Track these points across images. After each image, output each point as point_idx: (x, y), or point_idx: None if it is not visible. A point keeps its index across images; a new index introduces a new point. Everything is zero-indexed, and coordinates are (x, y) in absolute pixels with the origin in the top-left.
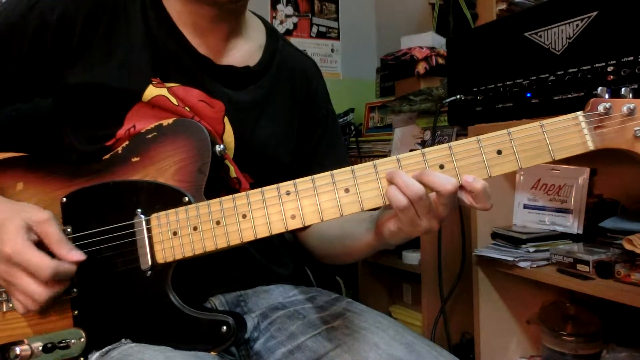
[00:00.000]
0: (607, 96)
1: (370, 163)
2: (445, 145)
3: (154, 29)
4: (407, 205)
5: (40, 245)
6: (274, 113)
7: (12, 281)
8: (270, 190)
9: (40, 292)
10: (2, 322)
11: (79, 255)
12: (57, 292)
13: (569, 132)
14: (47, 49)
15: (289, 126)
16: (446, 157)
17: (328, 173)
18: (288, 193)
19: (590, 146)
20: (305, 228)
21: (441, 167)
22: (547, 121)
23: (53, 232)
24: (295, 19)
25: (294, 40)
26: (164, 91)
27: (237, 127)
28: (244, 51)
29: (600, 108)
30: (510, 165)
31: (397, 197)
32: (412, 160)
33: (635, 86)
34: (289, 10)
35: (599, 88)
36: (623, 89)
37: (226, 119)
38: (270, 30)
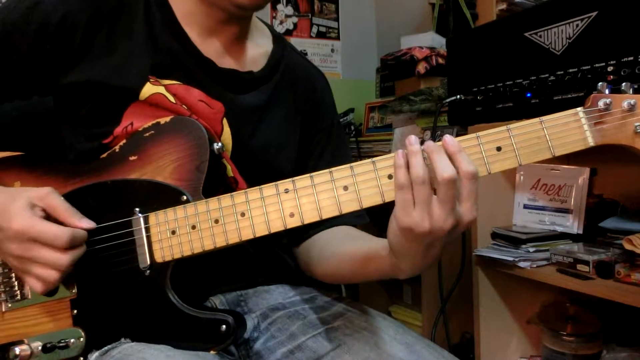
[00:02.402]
0: (607, 92)
1: (369, 160)
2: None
3: (156, 28)
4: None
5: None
6: (275, 120)
7: (29, 255)
8: (268, 189)
9: (62, 258)
10: (2, 322)
11: (89, 223)
12: (77, 256)
13: (569, 128)
14: (47, 48)
15: (290, 134)
16: None
17: (327, 171)
18: (287, 191)
19: (591, 142)
20: (300, 239)
21: None
22: (547, 117)
23: (58, 203)
24: (295, 19)
25: (294, 40)
26: (161, 89)
27: (235, 130)
28: (249, 56)
29: (601, 104)
30: (510, 162)
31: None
32: None
33: (636, 86)
34: (289, 10)
35: (599, 83)
36: (623, 84)
37: (225, 121)
38: (276, 37)
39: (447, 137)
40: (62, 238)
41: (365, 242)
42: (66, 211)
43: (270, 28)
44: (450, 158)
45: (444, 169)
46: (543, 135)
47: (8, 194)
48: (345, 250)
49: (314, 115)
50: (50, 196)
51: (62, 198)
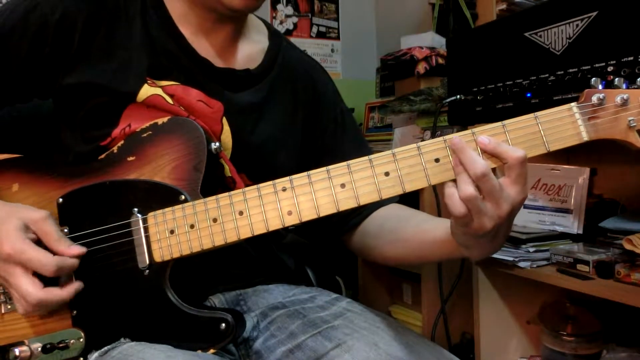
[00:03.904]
0: (600, 87)
1: (365, 158)
2: (441, 138)
3: (153, 30)
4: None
5: (39, 244)
6: (274, 116)
7: (10, 280)
8: (266, 187)
9: (32, 293)
10: (1, 323)
11: (78, 249)
12: (54, 296)
13: (564, 124)
14: (46, 50)
15: (291, 129)
16: (442, 151)
17: (324, 168)
18: (284, 189)
19: (585, 137)
20: (347, 227)
21: (436, 160)
22: (541, 113)
23: (50, 230)
24: (295, 19)
25: (293, 41)
26: (158, 90)
27: (235, 128)
28: (245, 54)
29: (594, 99)
30: None
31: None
32: (407, 155)
33: (634, 86)
34: (289, 10)
35: (593, 79)
36: (616, 79)
37: (224, 120)
38: (272, 33)
39: (481, 138)
40: (49, 267)
41: (429, 225)
42: (56, 239)
43: (267, 24)
44: (495, 154)
45: (477, 166)
46: (538, 131)
47: (2, 212)
48: (409, 236)
49: (318, 108)
50: (44, 222)
51: (56, 225)
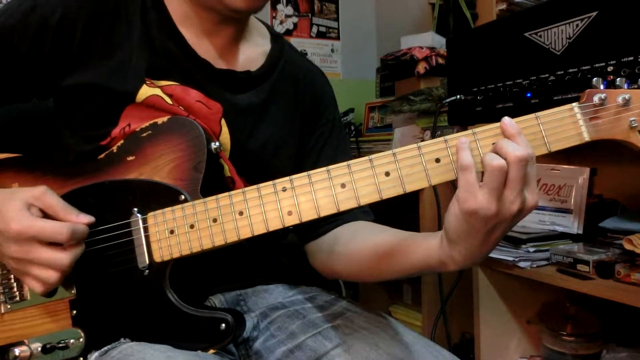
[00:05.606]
0: (602, 87)
1: (366, 158)
2: (441, 138)
3: (153, 30)
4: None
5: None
6: (274, 118)
7: (28, 257)
8: (266, 187)
9: (62, 257)
10: (1, 323)
11: (88, 218)
12: (77, 255)
13: (565, 124)
14: (46, 51)
15: (290, 132)
16: (442, 151)
17: (324, 168)
18: (284, 189)
19: (586, 137)
20: (307, 234)
21: (437, 160)
22: (542, 113)
23: (55, 202)
24: (295, 19)
25: (293, 40)
26: (157, 90)
27: (234, 130)
28: (246, 56)
29: (596, 99)
30: None
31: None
32: (407, 155)
33: (635, 86)
34: (289, 10)
35: (594, 79)
36: (618, 79)
37: (223, 121)
38: (274, 37)
39: (507, 119)
40: (64, 233)
41: (401, 232)
42: (64, 209)
43: (269, 27)
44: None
45: (516, 149)
46: (539, 131)
47: (3, 196)
48: (378, 241)
49: (314, 112)
50: (46, 195)
51: (58, 196)
